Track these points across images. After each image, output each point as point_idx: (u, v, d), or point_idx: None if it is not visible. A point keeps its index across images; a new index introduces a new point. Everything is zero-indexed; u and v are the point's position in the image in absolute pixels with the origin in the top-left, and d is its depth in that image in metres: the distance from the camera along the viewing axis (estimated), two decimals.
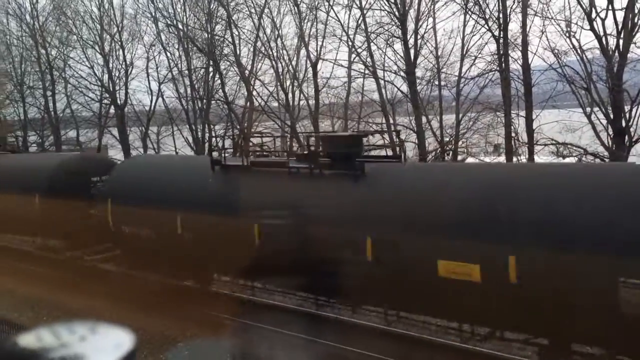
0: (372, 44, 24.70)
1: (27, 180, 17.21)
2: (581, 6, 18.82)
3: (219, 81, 29.36)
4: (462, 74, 23.44)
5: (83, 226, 15.39)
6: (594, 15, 18.56)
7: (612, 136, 18.61)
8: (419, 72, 24.03)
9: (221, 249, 12.27)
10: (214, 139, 19.97)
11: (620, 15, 18.20)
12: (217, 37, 29.23)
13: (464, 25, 23.43)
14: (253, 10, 27.98)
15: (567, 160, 18.96)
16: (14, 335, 0.80)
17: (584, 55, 19.24)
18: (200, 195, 12.74)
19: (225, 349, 9.78)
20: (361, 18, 24.75)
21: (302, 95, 27.57)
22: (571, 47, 19.48)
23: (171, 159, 20.91)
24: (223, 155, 13.12)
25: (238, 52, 28.43)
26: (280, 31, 27.65)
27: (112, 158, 25.11)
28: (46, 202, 16.02)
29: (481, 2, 21.91)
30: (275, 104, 28.48)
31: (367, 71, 25.59)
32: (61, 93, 35.35)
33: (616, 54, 18.32)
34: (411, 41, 23.29)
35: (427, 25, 24.05)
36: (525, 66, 20.74)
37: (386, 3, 23.63)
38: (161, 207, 12.96)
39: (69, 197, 15.08)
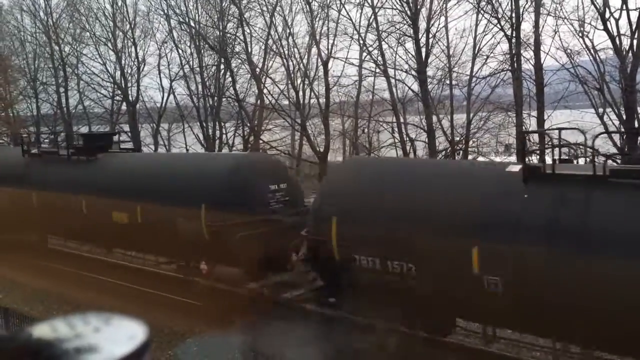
0: (383, 42, 24.67)
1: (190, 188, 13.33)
2: (595, 6, 18.70)
3: (230, 79, 29.46)
4: (473, 74, 23.35)
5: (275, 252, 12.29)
6: (607, 15, 18.43)
7: (624, 137, 18.46)
8: (430, 71, 24.01)
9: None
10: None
11: (634, 16, 18.08)
12: (228, 35, 29.32)
13: (476, 25, 23.35)
14: (265, 9, 28.07)
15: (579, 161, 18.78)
16: (30, 326, 0.82)
17: (597, 56, 19.11)
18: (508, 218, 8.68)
19: None
20: (372, 16, 24.74)
21: (312, 93, 27.62)
22: (584, 47, 19.37)
23: (427, 164, 15.99)
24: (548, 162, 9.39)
25: (249, 50, 28.54)
26: (291, 29, 27.73)
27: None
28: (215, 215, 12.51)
29: (494, 2, 21.82)
30: (286, 102, 28.54)
31: (378, 70, 25.58)
32: (74, 89, 35.69)
33: (630, 54, 18.17)
34: (422, 40, 23.24)
35: (438, 24, 24.01)
36: (538, 66, 20.62)
37: (398, 2, 23.61)
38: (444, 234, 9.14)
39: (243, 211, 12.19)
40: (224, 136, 30.41)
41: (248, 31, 28.47)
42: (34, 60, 36.26)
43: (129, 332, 0.75)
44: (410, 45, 23.94)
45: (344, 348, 10.16)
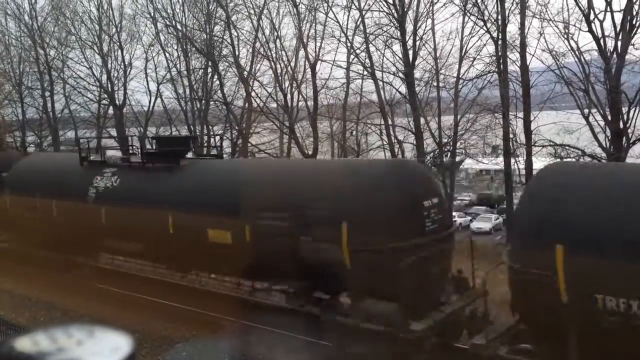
0: (370, 45, 24.74)
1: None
2: (579, 8, 18.86)
3: (217, 82, 29.40)
4: (460, 76, 23.50)
5: None
6: (592, 17, 18.59)
7: (610, 137, 18.63)
8: (417, 74, 24.11)
9: None
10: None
11: (618, 17, 18.25)
12: (216, 38, 29.24)
13: (463, 27, 23.50)
14: (252, 11, 28.02)
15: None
16: (11, 338, 0.80)
17: (582, 57, 19.27)
18: None
19: None
20: (360, 19, 24.79)
21: (300, 96, 27.61)
22: (569, 48, 19.52)
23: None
24: None
25: (237, 53, 28.47)
26: (279, 32, 27.71)
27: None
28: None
29: (480, 4, 21.97)
30: (274, 104, 28.51)
31: (365, 72, 25.62)
32: (60, 93, 35.41)
33: (614, 55, 18.34)
34: (410, 42, 23.33)
35: (425, 27, 24.14)
36: (524, 68, 20.76)
37: (385, 4, 23.68)
38: None
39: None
40: (211, 140, 30.32)
41: (235, 34, 28.46)
42: (19, 64, 35.93)
43: (113, 345, 0.73)
44: (397, 47, 24.07)
45: None
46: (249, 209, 11.23)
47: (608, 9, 18.39)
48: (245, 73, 28.44)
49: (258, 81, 29.05)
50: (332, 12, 26.29)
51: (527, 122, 20.46)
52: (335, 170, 12.70)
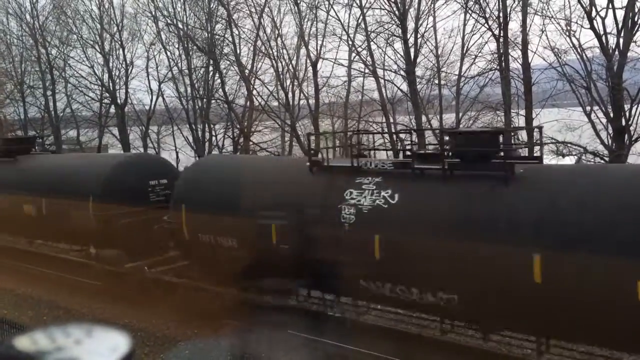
0: (372, 43, 24.71)
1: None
2: (581, 5, 18.81)
3: (219, 80, 29.38)
4: (462, 73, 23.44)
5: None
6: (594, 14, 18.55)
7: (612, 135, 18.60)
8: (419, 71, 24.07)
9: None
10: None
11: (620, 14, 18.21)
12: (217, 37, 29.23)
13: (464, 24, 23.45)
14: (253, 10, 28.03)
15: (567, 159, 18.94)
16: (10, 337, 0.80)
17: (584, 54, 19.23)
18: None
19: None
20: (361, 17, 24.76)
21: (302, 94, 27.58)
22: (571, 45, 19.48)
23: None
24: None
25: (238, 52, 28.45)
26: (280, 30, 27.68)
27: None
28: None
29: (481, 1, 21.91)
30: (275, 103, 28.49)
31: (367, 70, 25.60)
32: (61, 92, 35.42)
33: (616, 52, 18.31)
34: (411, 40, 23.29)
35: (427, 24, 24.09)
36: (525, 65, 20.73)
37: (386, 2, 23.66)
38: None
39: None
40: (213, 138, 30.33)
41: (236, 32, 28.45)
42: (20, 63, 35.94)
43: (112, 344, 0.73)
44: (398, 45, 24.02)
45: None
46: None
47: (610, 6, 18.36)
48: (247, 71, 28.44)
49: (259, 79, 29.07)
50: (334, 10, 26.30)
51: (529, 120, 20.44)
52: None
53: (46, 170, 17.10)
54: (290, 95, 27.23)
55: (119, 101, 32.72)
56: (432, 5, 23.69)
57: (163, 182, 15.03)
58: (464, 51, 23.38)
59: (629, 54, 18.27)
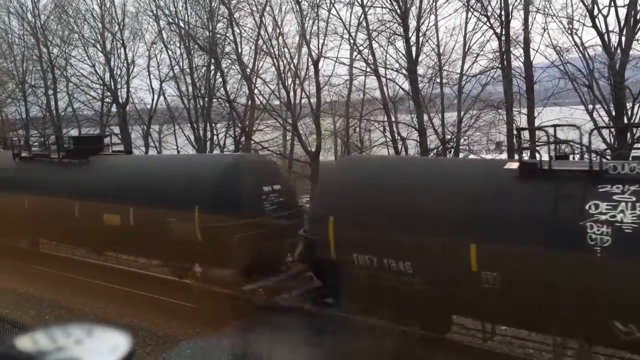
0: (373, 41, 24.67)
1: None
2: (583, 3, 18.78)
3: (220, 79, 29.37)
4: (463, 72, 23.42)
5: None
6: (596, 12, 18.52)
7: (614, 133, 18.57)
8: (420, 70, 24.03)
9: None
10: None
11: (622, 12, 18.17)
12: (218, 35, 29.23)
13: (466, 23, 23.41)
14: (254, 8, 27.97)
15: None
16: (11, 337, 0.80)
17: (586, 53, 19.19)
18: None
19: None
20: (363, 16, 24.72)
21: (303, 93, 27.57)
22: (573, 44, 19.44)
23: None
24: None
25: (239, 50, 28.44)
26: (281, 29, 27.63)
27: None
28: None
29: (483, 0, 21.88)
30: (277, 102, 28.48)
31: (368, 69, 25.57)
32: (63, 92, 35.42)
33: (618, 51, 18.28)
34: (413, 39, 23.27)
35: (428, 23, 24.03)
36: (527, 63, 20.71)
37: (388, 0, 23.61)
38: None
39: None
40: (215, 137, 30.34)
41: (238, 31, 28.42)
42: (22, 62, 35.97)
43: (112, 344, 0.72)
44: (400, 44, 23.99)
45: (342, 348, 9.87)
46: None
47: (612, 4, 18.33)
48: (248, 70, 28.43)
49: (261, 78, 29.05)
50: (335, 8, 26.24)
51: (530, 118, 20.42)
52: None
53: (131, 173, 15.00)
54: (291, 94, 27.22)
55: (120, 100, 32.73)
56: (434, 4, 23.70)
57: (277, 189, 13.00)
58: (466, 50, 23.37)
59: (631, 52, 18.24)
